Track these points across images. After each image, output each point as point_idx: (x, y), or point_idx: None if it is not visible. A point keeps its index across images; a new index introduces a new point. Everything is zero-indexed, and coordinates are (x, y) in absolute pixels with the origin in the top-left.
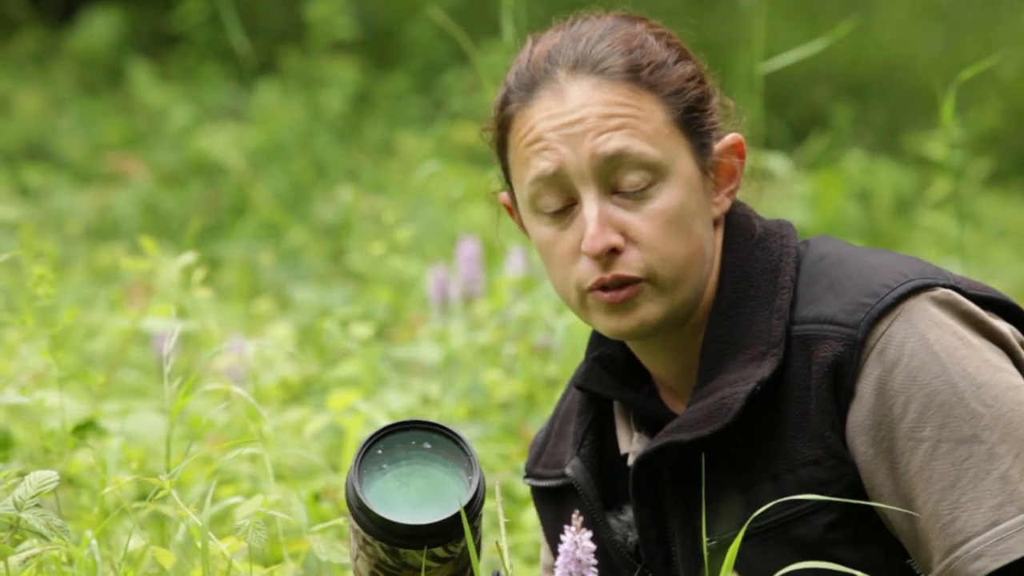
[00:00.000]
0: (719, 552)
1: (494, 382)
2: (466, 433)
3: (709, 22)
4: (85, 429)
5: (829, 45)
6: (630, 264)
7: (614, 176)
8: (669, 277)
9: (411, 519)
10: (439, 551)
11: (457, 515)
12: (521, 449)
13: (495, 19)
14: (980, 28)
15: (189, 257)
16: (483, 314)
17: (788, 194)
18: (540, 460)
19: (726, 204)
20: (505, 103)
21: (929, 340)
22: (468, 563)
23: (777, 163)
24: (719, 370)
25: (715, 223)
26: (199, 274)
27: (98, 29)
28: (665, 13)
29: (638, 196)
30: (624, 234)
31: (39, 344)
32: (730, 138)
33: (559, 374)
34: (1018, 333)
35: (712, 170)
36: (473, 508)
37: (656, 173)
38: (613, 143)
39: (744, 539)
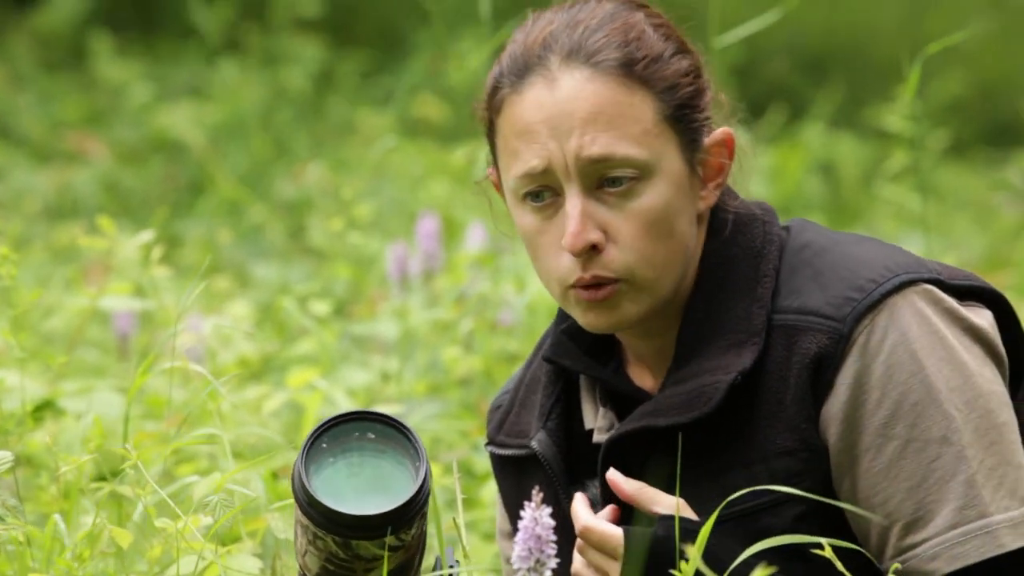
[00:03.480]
0: (687, 537)
1: (453, 359)
2: (425, 409)
3: None
4: (44, 409)
5: (794, 20)
6: (609, 264)
7: (599, 174)
8: (648, 277)
9: (361, 510)
10: (391, 540)
11: (407, 504)
12: (479, 425)
13: None
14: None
15: (147, 235)
16: (442, 290)
17: (749, 167)
18: (503, 428)
19: (712, 198)
20: (497, 86)
21: (909, 338)
22: (418, 550)
23: (738, 137)
24: (696, 355)
25: (700, 216)
26: (157, 252)
27: (59, 6)
28: None
29: (622, 194)
30: (605, 231)
31: None
32: (720, 133)
33: (518, 350)
34: (993, 324)
35: (700, 165)
36: (423, 494)
37: (642, 172)
38: (598, 146)
39: (714, 525)
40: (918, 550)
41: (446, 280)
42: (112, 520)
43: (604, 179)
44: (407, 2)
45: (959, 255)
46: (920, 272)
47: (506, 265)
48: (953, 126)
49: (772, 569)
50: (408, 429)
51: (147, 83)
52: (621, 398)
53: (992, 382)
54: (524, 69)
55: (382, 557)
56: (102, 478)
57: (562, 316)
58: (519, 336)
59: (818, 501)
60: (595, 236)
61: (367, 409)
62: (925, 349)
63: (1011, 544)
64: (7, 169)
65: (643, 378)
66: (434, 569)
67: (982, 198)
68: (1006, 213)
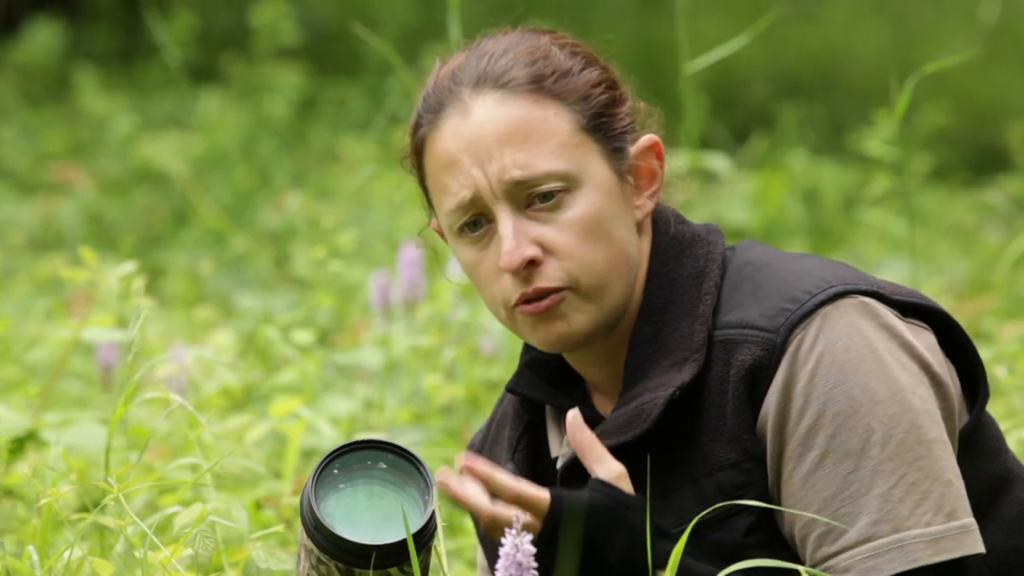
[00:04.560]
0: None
1: (435, 386)
2: (408, 437)
3: (655, 24)
4: (25, 441)
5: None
6: (550, 275)
7: (525, 193)
8: (592, 284)
9: (368, 539)
10: (394, 571)
11: (415, 535)
12: (462, 452)
13: (443, 22)
14: (924, 26)
15: (129, 266)
16: (425, 318)
17: (731, 193)
18: (483, 451)
19: (648, 206)
20: (416, 127)
21: (837, 349)
22: None
23: (718, 162)
24: (643, 376)
25: (639, 226)
26: (139, 283)
27: (41, 39)
28: (611, 14)
29: (551, 208)
30: (542, 246)
31: None
32: (645, 140)
33: (500, 377)
34: (933, 346)
35: (630, 173)
36: (430, 528)
37: (568, 183)
38: (519, 165)
39: (665, 542)
40: (831, 562)
41: (428, 308)
42: (94, 552)
43: (532, 196)
44: (386, 30)
45: (943, 279)
46: (858, 284)
47: None
48: (936, 151)
49: None
50: (419, 460)
51: (130, 115)
52: (586, 424)
53: (924, 400)
54: (438, 105)
55: None
56: (85, 509)
57: (527, 348)
58: (501, 363)
59: (763, 512)
60: (531, 251)
61: (380, 439)
62: (853, 361)
63: (926, 559)
64: None
65: (605, 405)
66: None
67: (965, 222)
68: (989, 237)
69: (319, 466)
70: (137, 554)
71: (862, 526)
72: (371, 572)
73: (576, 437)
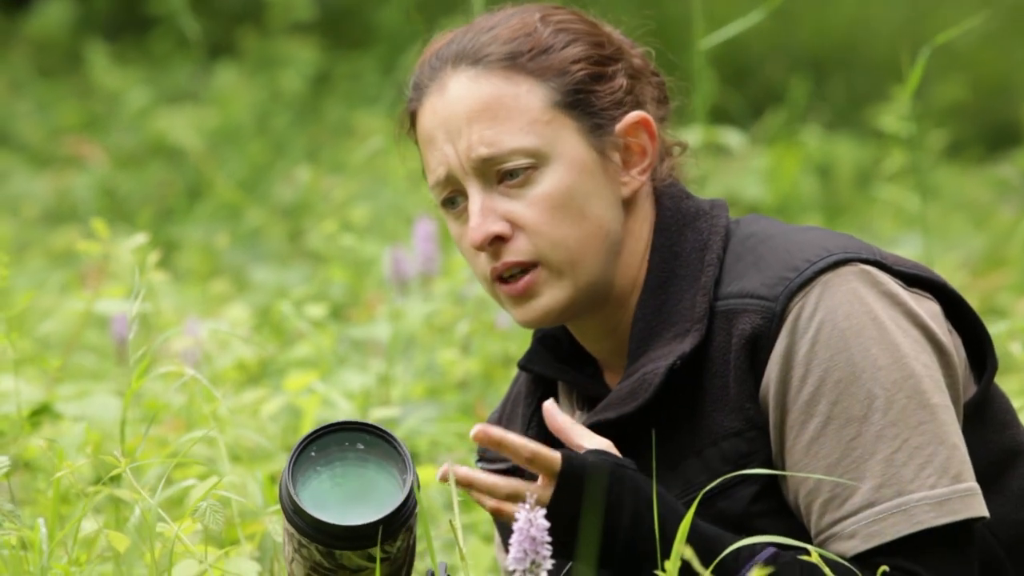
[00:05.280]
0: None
1: (450, 361)
2: (423, 412)
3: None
4: (41, 413)
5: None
6: (518, 250)
7: (493, 169)
8: (563, 260)
9: (346, 520)
10: (375, 551)
11: (392, 515)
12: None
13: None
14: (941, 0)
15: (141, 239)
16: (440, 293)
17: (745, 168)
18: None
19: (636, 182)
20: (408, 103)
21: (838, 316)
22: (404, 563)
23: (732, 138)
24: (647, 348)
25: (628, 202)
26: (153, 256)
27: (53, 13)
28: None
29: (520, 184)
30: (511, 222)
31: None
32: (632, 116)
33: (515, 352)
34: (937, 314)
35: (616, 149)
36: (408, 507)
37: (536, 159)
38: (485, 142)
39: (672, 515)
40: (835, 528)
41: (443, 283)
42: (110, 524)
43: (502, 173)
44: (400, 2)
45: (958, 255)
46: (859, 253)
47: None
48: (951, 127)
49: (769, 569)
50: (396, 440)
51: (144, 88)
52: (597, 402)
53: (927, 366)
54: (422, 83)
55: (366, 568)
56: (100, 482)
57: None
58: (516, 339)
59: (768, 481)
60: (497, 227)
61: (356, 419)
62: (854, 328)
63: (929, 522)
64: (5, 174)
65: (615, 381)
66: None
67: (980, 198)
68: (1004, 213)
69: (296, 449)
70: (158, 528)
71: (865, 491)
72: (351, 553)
73: (555, 424)
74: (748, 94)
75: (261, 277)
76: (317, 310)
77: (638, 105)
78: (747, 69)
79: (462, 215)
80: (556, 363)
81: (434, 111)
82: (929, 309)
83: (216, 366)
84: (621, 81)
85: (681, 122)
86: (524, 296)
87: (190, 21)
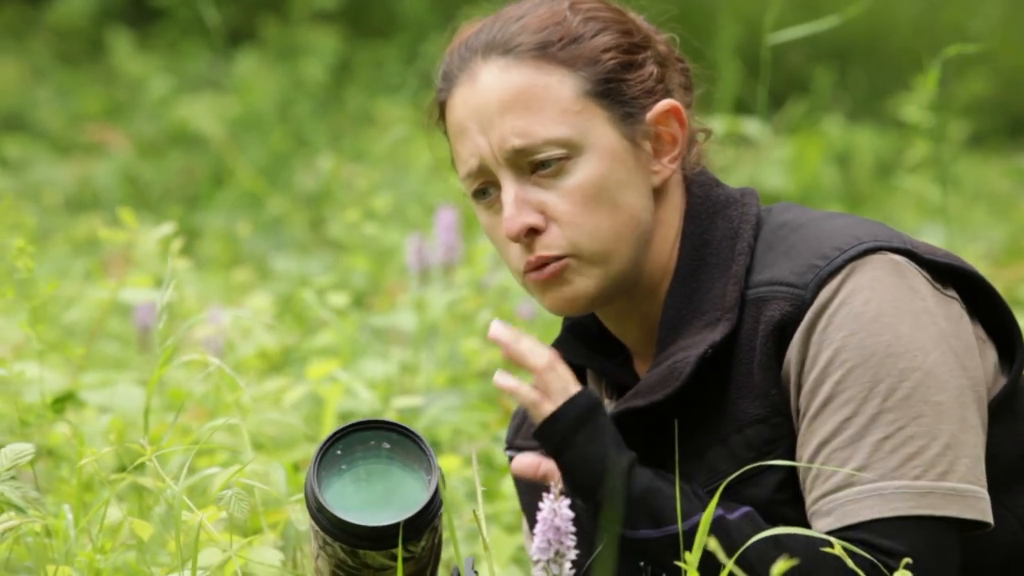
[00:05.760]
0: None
1: (472, 350)
2: (445, 401)
3: None
4: (64, 401)
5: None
6: (551, 244)
7: (527, 160)
8: (596, 251)
9: (370, 520)
10: (399, 551)
11: (416, 515)
12: (500, 417)
13: None
14: None
15: (167, 228)
16: (462, 282)
17: (767, 158)
18: (520, 431)
19: (667, 171)
20: (438, 93)
21: (856, 301)
22: (428, 562)
23: (754, 127)
24: (677, 336)
25: (659, 191)
26: (177, 244)
27: (76, 1)
28: None
29: (553, 174)
30: (544, 213)
31: (17, 316)
32: (662, 104)
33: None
34: (961, 315)
35: (647, 138)
36: (432, 508)
37: (569, 150)
38: (518, 133)
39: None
40: (816, 505)
41: (465, 272)
42: (133, 512)
43: (535, 164)
44: None
45: (979, 246)
46: (890, 242)
47: None
48: (972, 117)
49: (794, 561)
50: (422, 440)
51: (165, 76)
52: (626, 390)
53: (936, 363)
54: (452, 72)
55: (390, 567)
56: (123, 470)
57: None
58: (539, 328)
59: (792, 468)
60: (532, 219)
61: (382, 418)
62: (871, 313)
63: (905, 510)
64: (28, 161)
65: (644, 369)
66: None
67: (1001, 189)
68: None
69: (321, 448)
70: (183, 516)
71: (848, 471)
72: (375, 553)
73: (503, 342)
74: (769, 83)
75: (283, 266)
76: (340, 298)
77: (667, 93)
78: (769, 59)
79: (493, 205)
80: (586, 351)
81: (465, 102)
82: (952, 311)
83: (238, 354)
84: (651, 69)
85: (705, 111)
86: (554, 282)
87: (211, 9)
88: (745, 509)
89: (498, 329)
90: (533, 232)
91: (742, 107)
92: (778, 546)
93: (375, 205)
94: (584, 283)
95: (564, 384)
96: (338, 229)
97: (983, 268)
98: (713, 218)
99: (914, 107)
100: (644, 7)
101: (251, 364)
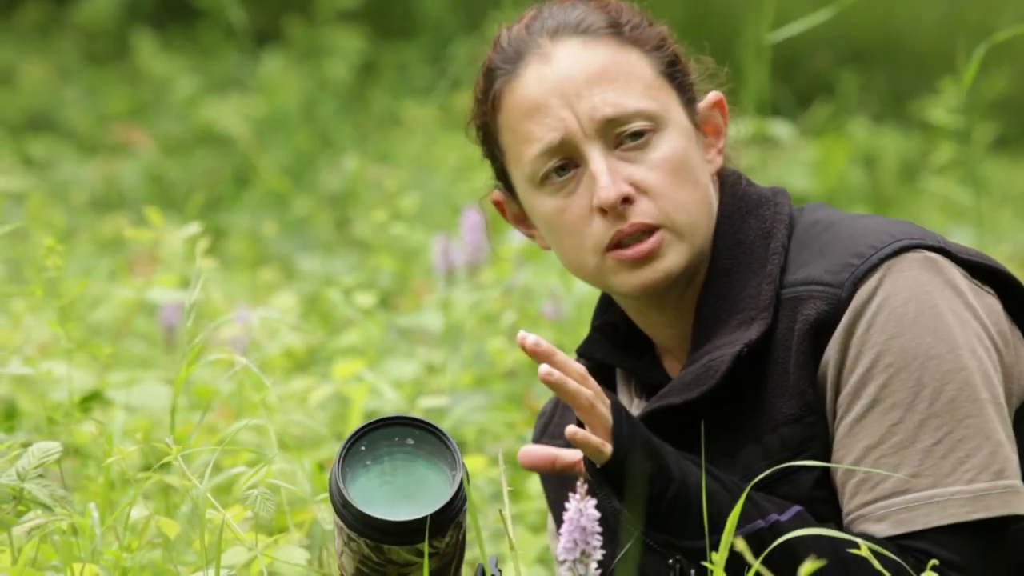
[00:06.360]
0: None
1: (498, 350)
2: (471, 401)
3: None
4: (91, 400)
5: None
6: (645, 212)
7: (615, 132)
8: (686, 223)
9: (394, 516)
10: (423, 547)
11: (441, 511)
12: (525, 417)
13: None
14: None
15: (194, 227)
16: (487, 282)
17: (792, 160)
18: (547, 431)
19: (718, 162)
20: (490, 83)
21: (896, 302)
22: (453, 558)
23: (781, 129)
24: (711, 335)
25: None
26: (203, 244)
27: (102, 1)
28: None
29: (640, 147)
30: (634, 185)
31: (46, 315)
32: (712, 95)
33: (563, 342)
34: (997, 310)
35: (701, 126)
36: (457, 503)
37: (656, 123)
38: (610, 103)
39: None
40: (865, 510)
41: (491, 272)
42: (159, 511)
43: (622, 136)
44: None
45: (1007, 248)
46: (924, 240)
47: (551, 257)
48: (999, 118)
49: (821, 562)
50: (447, 436)
51: (191, 76)
52: (656, 390)
53: (980, 360)
54: (516, 56)
55: (414, 563)
56: (149, 469)
57: (598, 314)
58: (564, 329)
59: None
60: (627, 188)
61: (406, 414)
62: (911, 314)
63: (962, 516)
64: (54, 161)
65: (674, 369)
66: None
67: None
68: None
69: (346, 444)
70: (208, 515)
71: (901, 478)
72: (400, 548)
73: (538, 350)
74: (794, 85)
75: (308, 265)
76: (366, 298)
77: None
78: (794, 60)
79: (568, 184)
80: (616, 351)
81: (541, 79)
82: (989, 304)
83: (264, 354)
84: (692, 64)
85: (731, 114)
86: (648, 258)
87: (237, 9)
88: (796, 509)
89: (545, 371)
90: (625, 202)
91: (768, 109)
92: (833, 546)
93: (402, 205)
94: (674, 258)
95: (604, 421)
96: (363, 229)
97: (1012, 270)
98: (746, 217)
99: (941, 109)
100: (669, 7)
101: (277, 363)
